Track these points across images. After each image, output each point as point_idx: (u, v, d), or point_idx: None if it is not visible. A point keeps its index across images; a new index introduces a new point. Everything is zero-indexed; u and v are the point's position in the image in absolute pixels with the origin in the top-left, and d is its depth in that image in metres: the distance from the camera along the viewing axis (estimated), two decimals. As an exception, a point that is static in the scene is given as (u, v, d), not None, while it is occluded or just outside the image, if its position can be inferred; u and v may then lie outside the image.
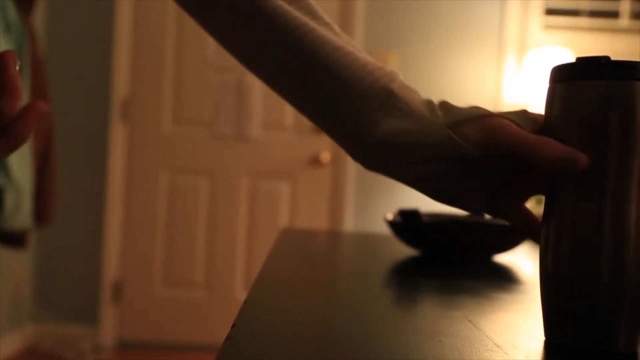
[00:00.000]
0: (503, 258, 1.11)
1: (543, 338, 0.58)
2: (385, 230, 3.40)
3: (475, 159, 0.63)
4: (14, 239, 2.26)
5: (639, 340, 0.52)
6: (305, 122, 3.40)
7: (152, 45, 3.41)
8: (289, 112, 3.41)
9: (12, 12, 2.08)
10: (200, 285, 3.45)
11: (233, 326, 0.55)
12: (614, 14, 3.45)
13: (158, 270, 3.44)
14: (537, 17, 3.41)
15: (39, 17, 3.27)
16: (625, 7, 3.43)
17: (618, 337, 0.52)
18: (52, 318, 3.41)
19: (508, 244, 1.07)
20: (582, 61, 0.54)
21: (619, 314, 0.51)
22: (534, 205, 3.20)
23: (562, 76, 0.56)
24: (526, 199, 0.66)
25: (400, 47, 3.39)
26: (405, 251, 1.13)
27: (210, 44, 3.39)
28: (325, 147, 3.41)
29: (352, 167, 3.37)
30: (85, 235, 3.41)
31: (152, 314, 3.43)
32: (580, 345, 0.53)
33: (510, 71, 3.39)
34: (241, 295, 3.45)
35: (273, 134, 3.43)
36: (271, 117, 3.42)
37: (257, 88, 3.38)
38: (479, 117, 0.65)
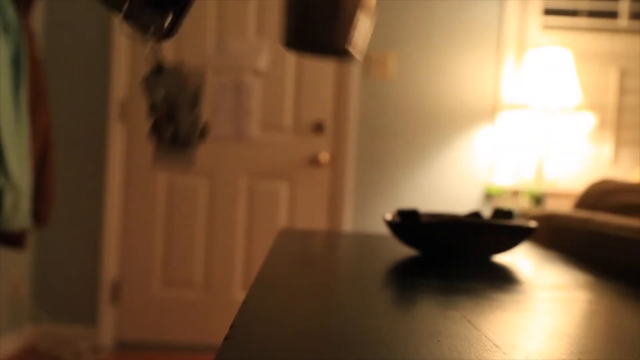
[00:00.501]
0: (501, 258, 1.11)
1: (542, 338, 0.58)
2: (384, 230, 3.40)
3: None
4: (12, 240, 2.26)
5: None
6: (304, 123, 3.40)
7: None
8: (287, 112, 3.41)
9: (10, 12, 2.08)
10: (199, 285, 3.44)
11: (232, 326, 0.55)
12: (612, 14, 3.45)
13: (157, 271, 3.44)
14: (535, 17, 3.41)
15: (37, 17, 3.27)
16: (624, 7, 3.43)
17: (335, 37, 0.60)
18: (50, 318, 3.41)
19: (506, 245, 1.07)
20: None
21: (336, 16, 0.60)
22: (533, 206, 3.20)
23: None
24: None
25: (399, 47, 3.39)
26: (404, 251, 1.13)
27: (209, 45, 3.39)
28: (324, 148, 3.41)
29: (350, 168, 3.38)
30: (84, 236, 3.41)
31: (151, 315, 3.43)
32: (312, 47, 0.61)
33: (509, 71, 3.39)
34: (239, 295, 3.45)
35: (271, 134, 3.42)
36: (270, 118, 3.42)
37: (255, 89, 3.38)
38: None
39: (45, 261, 3.40)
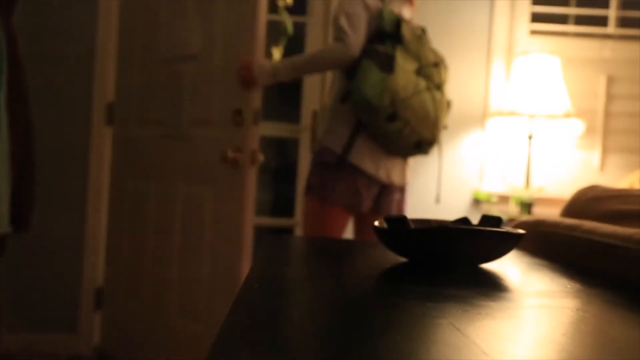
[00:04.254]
0: (490, 266, 1.11)
1: (530, 345, 0.58)
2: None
3: None
4: (-9, 245, 2.23)
5: None
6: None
7: (137, 48, 3.39)
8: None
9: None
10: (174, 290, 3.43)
11: (220, 331, 0.55)
12: (601, 21, 3.48)
13: (142, 278, 3.41)
14: (524, 23, 3.43)
15: (19, 17, 3.25)
16: (612, 14, 3.46)
17: None
18: (27, 327, 3.36)
19: (495, 253, 1.07)
20: None
21: None
22: (522, 212, 3.22)
23: None
24: None
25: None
26: (391, 258, 1.13)
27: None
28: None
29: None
30: (65, 242, 3.36)
31: (135, 323, 3.39)
32: None
33: (497, 77, 3.41)
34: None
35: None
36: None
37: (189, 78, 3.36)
38: None
39: (22, 267, 3.34)
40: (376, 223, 1.13)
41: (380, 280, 0.93)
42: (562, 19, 3.50)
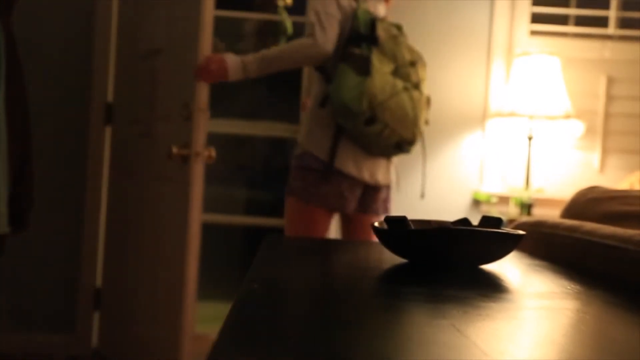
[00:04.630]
0: (490, 267, 1.11)
1: (530, 346, 0.58)
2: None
3: None
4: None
5: None
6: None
7: (126, 46, 3.38)
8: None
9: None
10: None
11: (220, 331, 0.55)
12: (601, 21, 3.47)
13: (140, 278, 3.39)
14: (525, 23, 3.43)
15: (18, 17, 3.24)
16: (613, 15, 3.46)
17: None
18: (24, 327, 3.34)
19: (495, 254, 1.07)
20: None
21: None
22: (521, 213, 3.22)
23: None
24: None
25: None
26: (391, 259, 1.13)
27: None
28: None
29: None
30: (63, 242, 3.34)
31: (133, 324, 3.37)
32: None
33: (497, 78, 3.41)
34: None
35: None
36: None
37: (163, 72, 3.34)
38: None
39: (20, 268, 3.32)
40: (376, 224, 1.13)
41: (380, 281, 0.93)
42: (562, 20, 3.50)
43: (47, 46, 3.34)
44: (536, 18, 3.45)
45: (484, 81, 3.42)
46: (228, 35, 4.21)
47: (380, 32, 2.46)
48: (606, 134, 3.42)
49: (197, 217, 2.60)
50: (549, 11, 3.46)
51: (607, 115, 3.42)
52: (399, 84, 2.41)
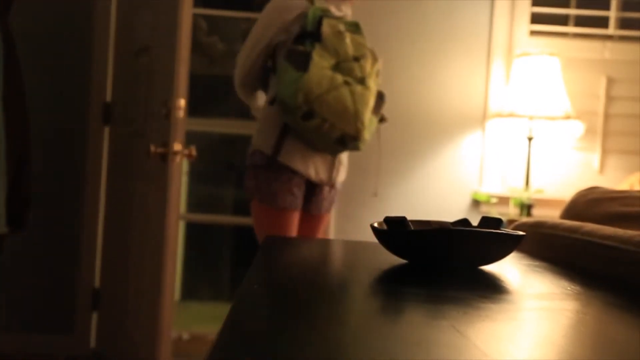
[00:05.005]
0: (489, 268, 1.11)
1: (530, 347, 0.58)
2: (369, 238, 3.40)
3: None
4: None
5: None
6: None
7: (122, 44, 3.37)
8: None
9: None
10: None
11: (220, 331, 0.55)
12: (602, 21, 3.47)
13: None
14: (525, 24, 3.43)
15: (16, 17, 3.24)
16: (613, 15, 3.46)
17: None
18: (24, 328, 3.33)
19: (495, 254, 1.07)
20: None
21: None
22: (521, 213, 3.22)
23: None
24: None
25: (385, 52, 3.39)
26: (391, 259, 1.13)
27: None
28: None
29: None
30: (62, 242, 3.34)
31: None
32: None
33: (497, 78, 3.40)
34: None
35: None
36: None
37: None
38: None
39: (19, 268, 3.32)
40: (375, 224, 1.13)
41: (380, 281, 0.93)
42: (562, 20, 3.50)
43: (46, 46, 3.33)
44: (536, 18, 3.45)
45: (483, 81, 3.42)
46: (228, 35, 4.20)
47: (326, 28, 2.47)
48: (606, 134, 3.42)
49: (174, 216, 2.56)
50: (549, 11, 3.46)
51: (607, 116, 3.42)
52: (339, 78, 2.42)
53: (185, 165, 4.85)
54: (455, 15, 3.41)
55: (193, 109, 4.64)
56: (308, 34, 2.48)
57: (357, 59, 2.48)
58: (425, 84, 3.40)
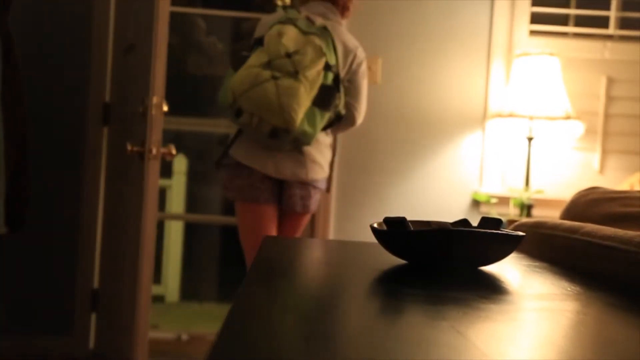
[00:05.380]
0: (489, 268, 1.11)
1: (530, 348, 0.58)
2: (369, 239, 3.39)
3: None
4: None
5: None
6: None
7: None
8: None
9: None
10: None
11: (219, 333, 0.55)
12: (602, 21, 3.47)
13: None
14: (525, 24, 3.43)
15: (15, 17, 3.24)
16: (613, 15, 3.45)
17: None
18: (23, 329, 3.32)
19: (495, 255, 1.07)
20: None
21: None
22: (521, 214, 3.21)
23: None
24: None
25: (385, 51, 3.39)
26: (390, 260, 1.13)
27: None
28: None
29: (334, 177, 3.36)
30: (61, 242, 3.33)
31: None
32: None
33: (497, 78, 3.40)
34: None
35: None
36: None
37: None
38: None
39: (17, 269, 3.31)
40: (375, 225, 1.12)
41: (380, 282, 0.93)
42: (562, 20, 3.49)
43: (45, 46, 3.33)
44: (536, 18, 3.45)
45: (483, 81, 3.42)
46: (227, 35, 4.20)
47: (270, 32, 2.62)
48: (606, 134, 3.42)
49: (151, 217, 2.53)
50: (549, 11, 3.46)
51: (607, 116, 3.42)
52: (266, 74, 2.53)
53: (184, 166, 4.86)
54: (455, 15, 3.41)
55: (193, 109, 4.64)
56: (258, 40, 2.65)
57: (290, 55, 2.57)
58: (425, 84, 3.40)
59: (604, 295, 0.92)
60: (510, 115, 3.19)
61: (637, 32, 3.46)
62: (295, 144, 2.59)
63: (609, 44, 3.44)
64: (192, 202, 4.81)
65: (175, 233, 4.72)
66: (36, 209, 3.16)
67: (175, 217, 4.68)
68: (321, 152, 2.69)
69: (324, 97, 2.58)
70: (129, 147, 2.46)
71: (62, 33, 3.34)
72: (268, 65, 2.55)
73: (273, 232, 2.76)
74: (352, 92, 2.79)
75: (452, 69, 3.41)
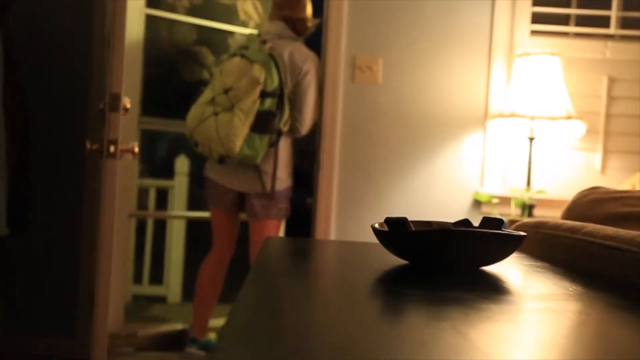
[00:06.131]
0: (490, 268, 1.11)
1: (532, 349, 0.57)
2: (369, 239, 3.39)
3: None
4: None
5: None
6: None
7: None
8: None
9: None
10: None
11: (220, 334, 0.54)
12: (603, 21, 3.47)
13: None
14: (525, 24, 3.42)
15: (15, 17, 3.24)
16: (614, 15, 3.45)
17: None
18: (25, 331, 3.32)
19: (496, 255, 1.07)
20: None
21: None
22: (522, 214, 3.21)
23: None
24: None
25: (386, 52, 3.39)
26: (391, 260, 1.12)
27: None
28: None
29: (334, 177, 3.36)
30: (63, 243, 3.33)
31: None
32: None
33: (498, 78, 3.40)
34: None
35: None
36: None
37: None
38: None
39: (19, 270, 3.31)
40: (376, 225, 1.12)
41: (380, 282, 0.93)
42: (563, 20, 3.49)
43: (46, 45, 3.33)
44: (537, 18, 3.44)
45: (484, 82, 3.41)
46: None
47: (216, 69, 3.15)
48: (607, 134, 3.42)
49: (109, 216, 2.45)
50: (549, 11, 3.45)
51: (609, 116, 3.41)
52: (209, 110, 3.00)
53: (186, 167, 4.86)
54: (456, 15, 3.41)
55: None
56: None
57: (226, 91, 2.99)
58: (426, 84, 3.40)
59: (605, 295, 0.92)
60: (512, 115, 3.19)
61: (639, 32, 3.46)
62: (243, 164, 3.06)
63: (610, 44, 3.44)
64: (194, 202, 4.81)
65: (177, 234, 4.72)
66: (38, 211, 3.17)
67: (175, 217, 4.68)
68: (270, 164, 3.10)
69: (262, 123, 2.98)
70: (87, 146, 2.38)
71: (63, 33, 3.34)
72: (212, 101, 3.00)
73: (232, 231, 3.37)
74: (297, 104, 3.16)
75: (452, 69, 3.41)
